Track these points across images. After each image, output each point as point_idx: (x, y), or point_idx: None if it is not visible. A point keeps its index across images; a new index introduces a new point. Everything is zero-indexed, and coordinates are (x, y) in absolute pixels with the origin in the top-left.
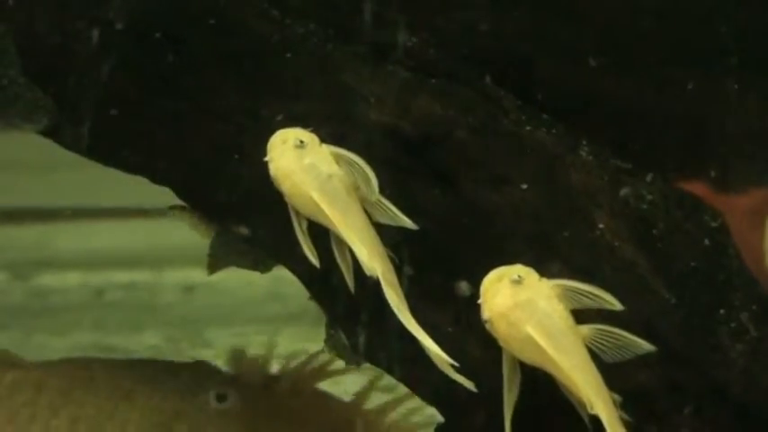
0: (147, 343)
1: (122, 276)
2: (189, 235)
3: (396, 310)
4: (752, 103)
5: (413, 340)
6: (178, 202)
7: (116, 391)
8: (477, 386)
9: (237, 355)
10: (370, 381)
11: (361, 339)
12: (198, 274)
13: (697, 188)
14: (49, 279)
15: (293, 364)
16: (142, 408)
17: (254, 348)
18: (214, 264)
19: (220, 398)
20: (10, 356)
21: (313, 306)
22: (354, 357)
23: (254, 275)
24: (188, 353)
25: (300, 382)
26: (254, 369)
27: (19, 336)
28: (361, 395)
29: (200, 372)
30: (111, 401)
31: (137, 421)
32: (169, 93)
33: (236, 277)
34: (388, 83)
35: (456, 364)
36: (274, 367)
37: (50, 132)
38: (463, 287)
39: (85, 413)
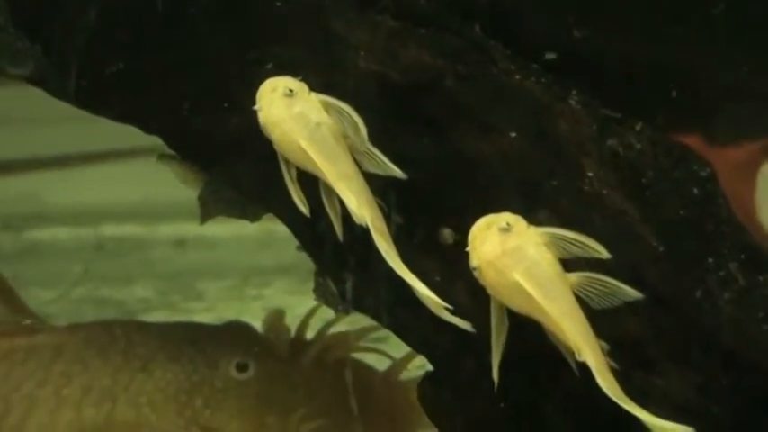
0: (138, 296)
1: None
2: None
3: (386, 257)
4: (742, 56)
5: (400, 287)
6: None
7: (133, 360)
8: (465, 334)
9: (273, 318)
10: (403, 359)
11: (349, 286)
12: (190, 228)
13: (689, 141)
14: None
15: (321, 334)
16: (158, 380)
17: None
18: (205, 213)
19: (241, 368)
20: (34, 321)
21: (304, 258)
22: (343, 305)
23: (245, 228)
24: (180, 305)
25: (326, 352)
26: (283, 336)
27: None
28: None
29: (224, 339)
30: (126, 372)
31: (150, 393)
32: (158, 41)
33: (227, 230)
34: (376, 31)
35: (449, 306)
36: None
37: (38, 81)
38: (446, 234)
39: (99, 383)
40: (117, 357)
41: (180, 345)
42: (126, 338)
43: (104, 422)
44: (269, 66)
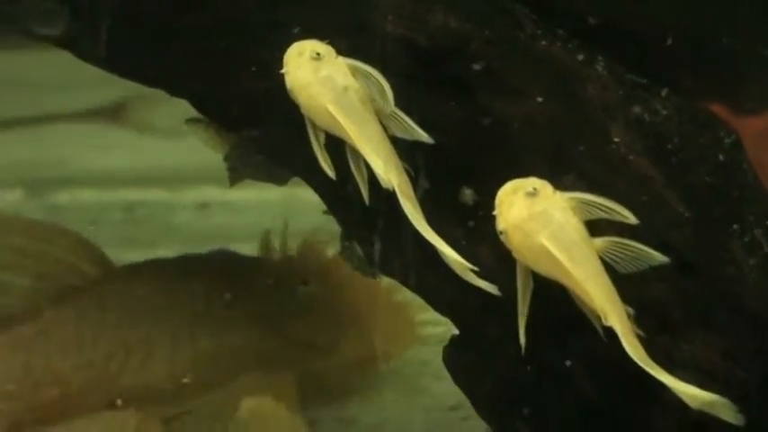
0: None
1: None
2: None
3: (412, 220)
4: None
5: (427, 251)
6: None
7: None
8: (491, 298)
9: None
10: None
11: (376, 249)
12: (213, 192)
13: (713, 110)
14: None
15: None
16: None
17: None
18: (233, 176)
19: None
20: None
21: (329, 222)
22: (370, 268)
23: (270, 193)
24: None
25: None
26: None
27: None
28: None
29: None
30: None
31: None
32: (186, 4)
33: (251, 195)
34: None
35: (475, 268)
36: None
37: (67, 43)
38: (467, 194)
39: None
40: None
41: (242, 273)
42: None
43: (215, 349)
44: (296, 29)
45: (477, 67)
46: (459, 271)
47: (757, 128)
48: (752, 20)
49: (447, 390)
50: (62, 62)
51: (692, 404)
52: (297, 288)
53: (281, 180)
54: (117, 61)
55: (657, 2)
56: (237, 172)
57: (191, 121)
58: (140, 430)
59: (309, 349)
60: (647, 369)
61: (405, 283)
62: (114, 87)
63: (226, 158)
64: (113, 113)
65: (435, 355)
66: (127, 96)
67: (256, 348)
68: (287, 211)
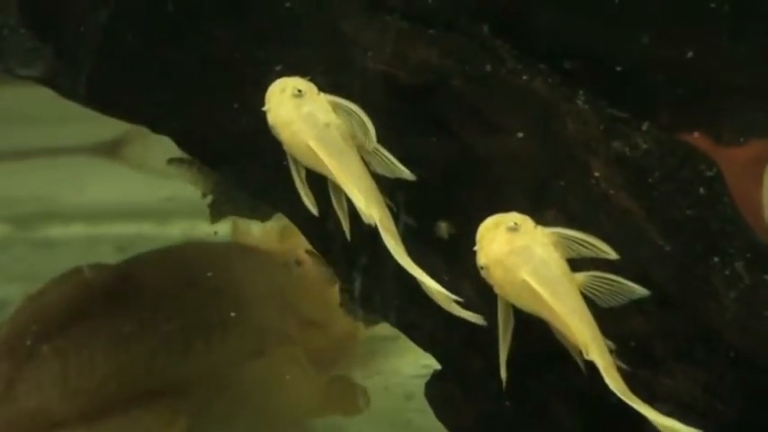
0: None
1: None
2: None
3: (395, 254)
4: (748, 55)
5: (409, 286)
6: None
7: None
8: (472, 332)
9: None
10: None
11: (358, 285)
12: (202, 227)
13: (696, 140)
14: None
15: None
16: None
17: None
18: (215, 213)
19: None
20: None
21: None
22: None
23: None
24: None
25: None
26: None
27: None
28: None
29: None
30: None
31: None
32: (168, 41)
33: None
34: (385, 32)
35: (460, 299)
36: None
37: (49, 80)
38: (443, 227)
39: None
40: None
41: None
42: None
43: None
44: (278, 66)
45: (457, 103)
46: (442, 303)
47: (741, 158)
48: (731, 49)
49: (431, 424)
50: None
51: None
52: (294, 268)
53: (263, 216)
54: (99, 98)
55: (637, 35)
56: (220, 208)
57: (174, 160)
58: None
59: (311, 326)
60: (629, 402)
61: (386, 318)
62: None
63: (207, 196)
64: (110, 149)
65: (419, 389)
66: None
67: (277, 327)
68: None
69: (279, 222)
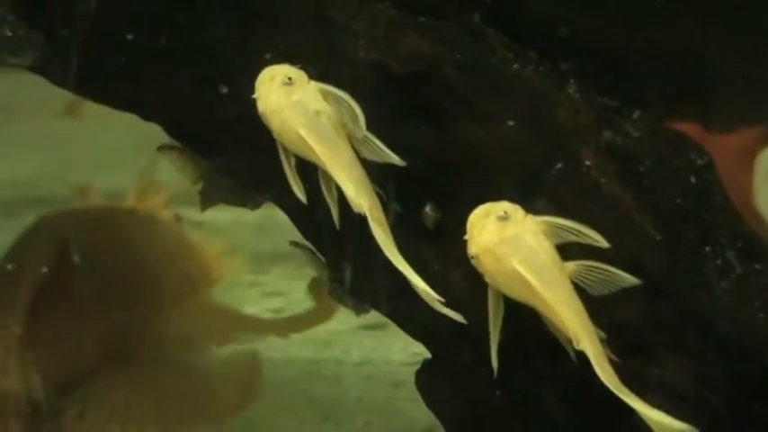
0: None
1: None
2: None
3: (382, 247)
4: (740, 42)
5: (399, 276)
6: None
7: None
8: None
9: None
10: None
11: (347, 275)
12: (188, 213)
13: (687, 128)
14: None
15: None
16: None
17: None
18: (205, 201)
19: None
20: None
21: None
22: (361, 305)
23: (244, 213)
24: None
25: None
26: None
27: None
28: None
29: None
30: None
31: None
32: (158, 28)
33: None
34: (376, 20)
35: (442, 299)
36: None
37: (39, 68)
38: (429, 214)
39: None
40: None
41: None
42: None
43: None
44: (268, 54)
45: (448, 91)
46: (427, 300)
47: (732, 147)
48: (724, 37)
49: (420, 412)
50: None
51: None
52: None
53: (254, 205)
54: (89, 86)
55: (629, 22)
56: (209, 196)
57: (163, 147)
58: None
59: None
60: (618, 394)
61: (376, 307)
62: None
63: (200, 184)
64: None
65: (409, 377)
66: None
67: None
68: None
69: (137, 181)
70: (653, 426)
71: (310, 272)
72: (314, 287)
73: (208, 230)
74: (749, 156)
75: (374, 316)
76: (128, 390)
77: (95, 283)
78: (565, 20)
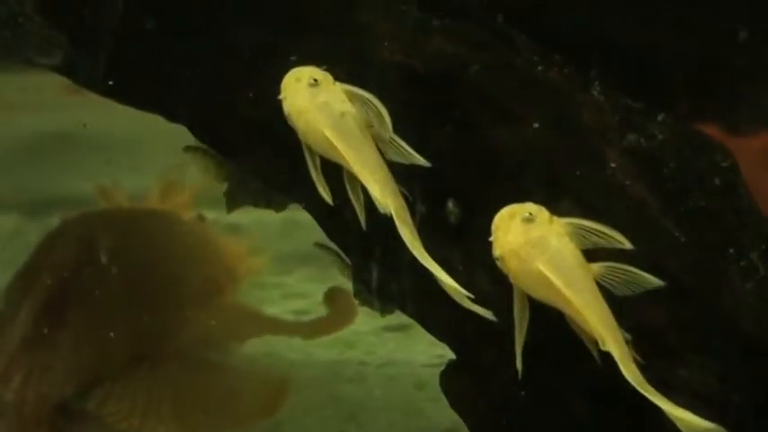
0: None
1: None
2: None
3: (410, 246)
4: (764, 44)
5: (424, 277)
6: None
7: None
8: (487, 322)
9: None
10: None
11: (374, 275)
12: (212, 214)
13: (709, 130)
14: None
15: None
16: None
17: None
18: (231, 202)
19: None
20: None
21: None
22: (383, 308)
23: (268, 215)
24: None
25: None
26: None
27: None
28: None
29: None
30: None
31: None
32: (185, 30)
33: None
34: (401, 21)
35: (471, 296)
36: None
37: (65, 69)
38: (452, 209)
39: None
40: None
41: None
42: None
43: None
44: (294, 56)
45: (473, 92)
46: (455, 297)
47: (754, 148)
48: (748, 39)
49: (442, 413)
50: None
51: (688, 431)
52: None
53: (279, 206)
54: (115, 88)
55: (653, 24)
56: (236, 198)
57: (189, 148)
58: None
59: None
60: (646, 394)
61: (402, 308)
62: None
63: (226, 186)
64: None
65: (431, 378)
66: None
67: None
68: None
69: (159, 181)
70: (680, 424)
71: (334, 274)
72: (330, 296)
73: (232, 231)
74: None
75: (397, 317)
76: (149, 387)
77: (118, 284)
78: (589, 21)
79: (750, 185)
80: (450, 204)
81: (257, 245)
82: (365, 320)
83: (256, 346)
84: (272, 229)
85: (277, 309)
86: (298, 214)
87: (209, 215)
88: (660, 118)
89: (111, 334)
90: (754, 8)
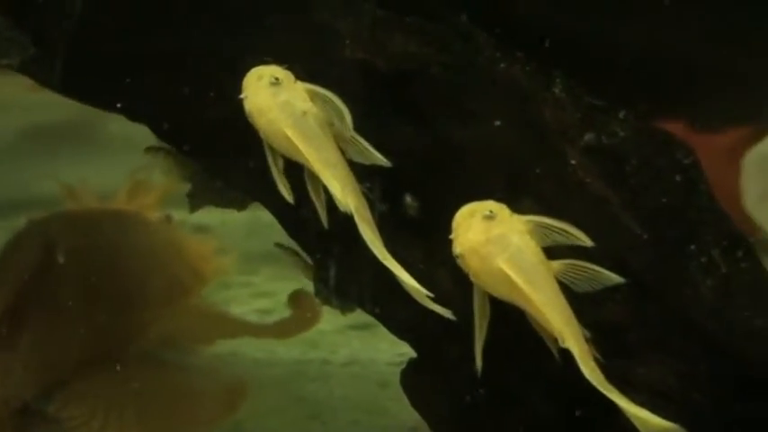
0: None
1: None
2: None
3: (370, 245)
4: (726, 42)
5: (384, 275)
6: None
7: None
8: (448, 321)
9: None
10: None
11: (333, 274)
12: (178, 214)
13: (674, 128)
14: None
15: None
16: None
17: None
18: (194, 202)
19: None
20: None
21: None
22: (345, 305)
23: (233, 214)
24: None
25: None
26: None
27: None
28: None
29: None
30: None
31: None
32: (145, 29)
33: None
34: (362, 20)
35: (431, 294)
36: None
37: (25, 68)
38: (410, 203)
39: None
40: None
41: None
42: None
43: None
44: (255, 54)
45: (435, 91)
46: (415, 296)
47: (718, 146)
48: (715, 37)
49: (406, 412)
50: None
51: (645, 430)
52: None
53: (241, 205)
54: (75, 87)
55: (617, 21)
56: (198, 198)
57: (151, 148)
58: None
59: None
60: (605, 392)
61: (362, 306)
62: None
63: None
64: None
65: (394, 377)
66: None
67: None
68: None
69: (127, 181)
70: (638, 424)
71: (300, 273)
72: (294, 298)
73: (198, 231)
74: (735, 155)
75: (360, 316)
76: (111, 389)
77: (80, 286)
78: (552, 19)
79: (714, 182)
80: (408, 198)
81: (224, 245)
82: (329, 319)
83: (220, 345)
84: (238, 229)
85: (244, 308)
86: (263, 214)
87: (178, 215)
88: (622, 115)
89: (73, 336)
90: (718, 5)
